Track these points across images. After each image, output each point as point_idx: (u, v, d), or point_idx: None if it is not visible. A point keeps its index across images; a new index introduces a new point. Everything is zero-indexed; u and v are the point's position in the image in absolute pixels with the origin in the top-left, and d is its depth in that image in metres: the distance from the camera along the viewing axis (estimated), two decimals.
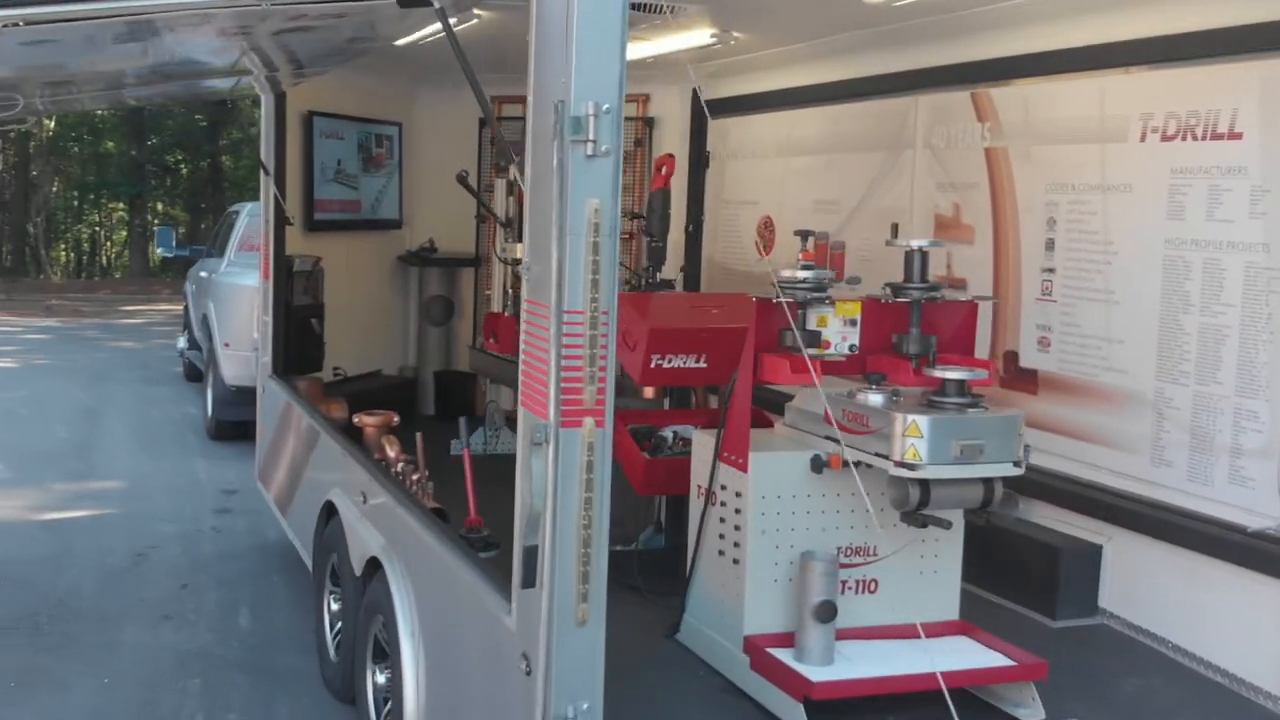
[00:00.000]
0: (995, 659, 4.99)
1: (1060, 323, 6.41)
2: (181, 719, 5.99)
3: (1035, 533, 6.32)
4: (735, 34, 7.85)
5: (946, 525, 4.88)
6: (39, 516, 9.49)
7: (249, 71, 7.78)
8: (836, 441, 4.92)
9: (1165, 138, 5.80)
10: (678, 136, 10.03)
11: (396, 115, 10.23)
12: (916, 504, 4.68)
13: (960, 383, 4.76)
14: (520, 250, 8.23)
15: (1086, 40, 6.17)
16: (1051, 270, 6.47)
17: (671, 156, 7.66)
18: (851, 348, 5.10)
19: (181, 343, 16.23)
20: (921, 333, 5.00)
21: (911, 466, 4.56)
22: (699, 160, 9.76)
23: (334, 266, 9.36)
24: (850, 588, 5.14)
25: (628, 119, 9.96)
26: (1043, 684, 5.24)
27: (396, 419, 7.14)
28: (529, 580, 3.62)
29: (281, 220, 8.56)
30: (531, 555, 3.61)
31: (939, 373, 4.79)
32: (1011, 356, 6.72)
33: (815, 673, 4.74)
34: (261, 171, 8.70)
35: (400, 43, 8.02)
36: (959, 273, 7.11)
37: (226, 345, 11.99)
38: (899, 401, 4.77)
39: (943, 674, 4.75)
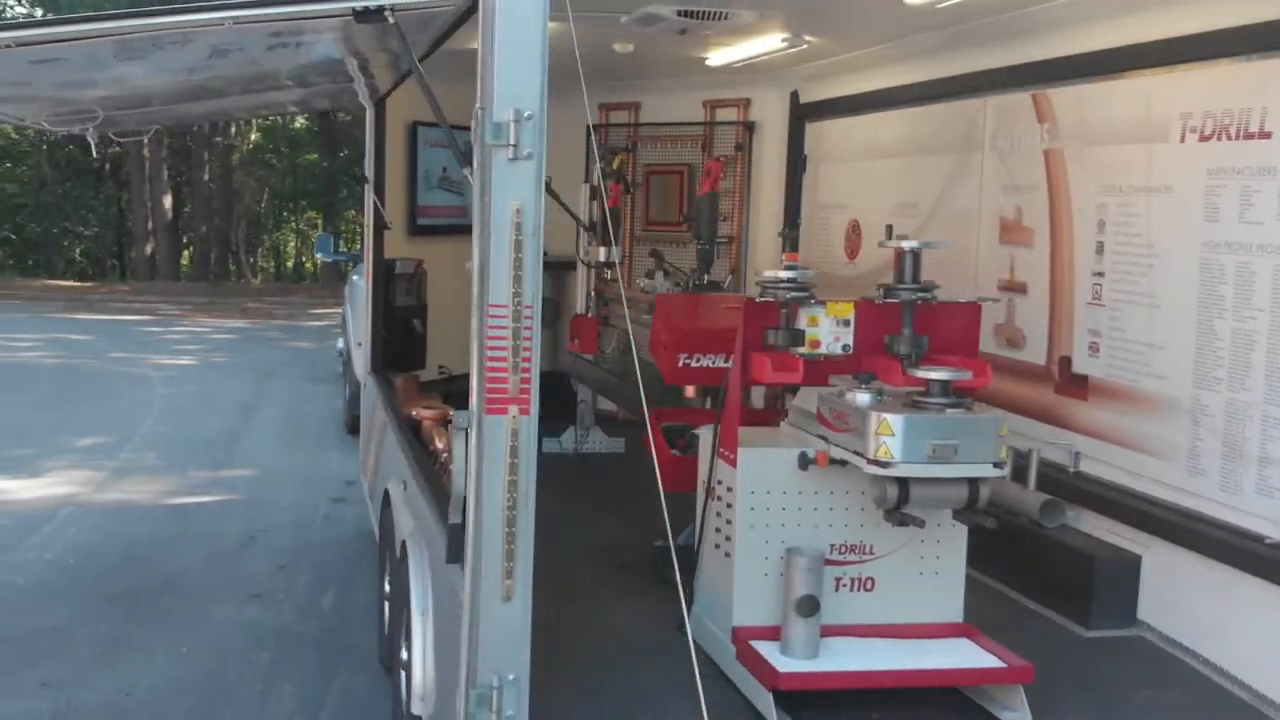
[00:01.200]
0: (982, 660, 4.96)
1: (1108, 327, 6.28)
2: (242, 688, 6.42)
3: (1074, 540, 6.21)
4: (807, 38, 7.91)
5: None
6: (172, 500, 10.21)
7: (350, 79, 8.22)
8: (826, 439, 5.01)
9: (1203, 138, 5.65)
10: (777, 141, 10.10)
11: None
12: (895, 502, 4.70)
13: (944, 383, 4.76)
14: (602, 253, 8.53)
15: (1133, 38, 6.06)
16: (1101, 274, 6.35)
17: (719, 161, 7.76)
18: (845, 348, 5.14)
19: (340, 343, 17.07)
20: (914, 333, 5.01)
21: (884, 464, 4.60)
22: (795, 164, 9.80)
23: (439, 269, 9.77)
24: (845, 585, 5.18)
25: (729, 123, 10.14)
26: (1048, 691, 5.19)
27: (452, 413, 7.43)
28: (454, 556, 3.85)
29: (380, 226, 9.03)
30: (456, 533, 3.83)
31: (921, 373, 4.80)
32: (1065, 362, 6.61)
33: (787, 664, 4.82)
34: (362, 180, 9.17)
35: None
36: (1020, 277, 7.03)
37: (358, 344, 12.59)
38: (882, 401, 4.80)
39: (920, 671, 4.80)
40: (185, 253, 37.43)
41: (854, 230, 9.03)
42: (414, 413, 7.15)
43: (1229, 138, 5.48)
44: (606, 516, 7.68)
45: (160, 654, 6.82)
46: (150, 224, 34.83)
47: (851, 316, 5.13)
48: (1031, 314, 6.90)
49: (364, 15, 3.98)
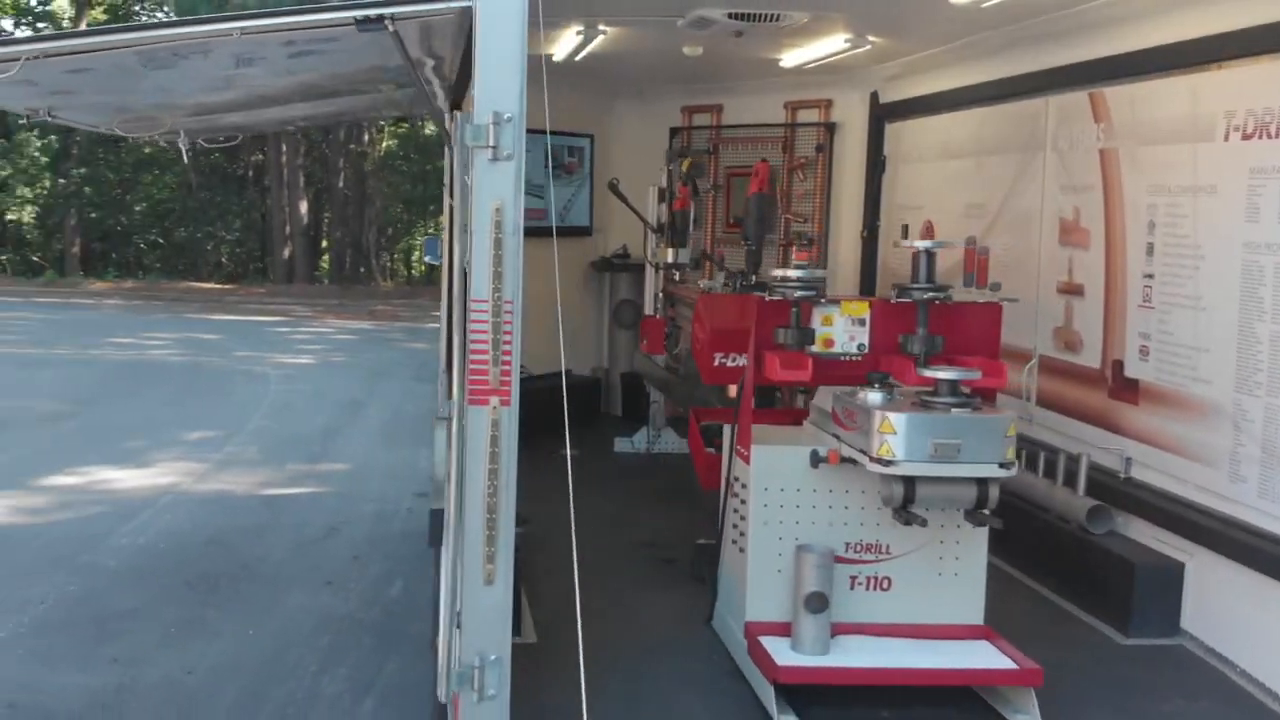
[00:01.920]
0: (992, 662, 4.92)
1: (1157, 330, 6.15)
2: (299, 669, 6.67)
3: (1117, 547, 6.10)
4: (870, 38, 7.89)
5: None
6: (265, 492, 10.61)
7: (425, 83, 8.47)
8: (838, 438, 5.03)
9: (1245, 136, 5.50)
10: (858, 142, 10.05)
11: (588, 127, 10.78)
12: (900, 501, 4.70)
13: (952, 383, 4.75)
14: (670, 254, 8.61)
15: (1181, 35, 5.93)
16: (1151, 276, 6.22)
17: (766, 162, 7.77)
18: (860, 347, 5.16)
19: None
20: (929, 333, 5.00)
21: (886, 462, 4.61)
22: (875, 165, 9.75)
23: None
24: (861, 584, 5.19)
25: (810, 124, 10.14)
26: (1073, 698, 5.15)
27: None
28: (435, 539, 3.99)
29: (454, 228, 9.26)
30: (437, 518, 3.97)
31: (929, 372, 4.79)
32: (1118, 366, 6.48)
33: (791, 659, 4.86)
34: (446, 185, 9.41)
35: (558, 58, 8.56)
36: (1078, 279, 6.91)
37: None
38: (892, 400, 4.80)
39: (925, 670, 4.79)
40: (324, 257, 38.67)
41: (928, 231, 8.94)
42: None
43: (1269, 136, 5.34)
44: (662, 515, 7.78)
45: (227, 636, 7.13)
46: (288, 229, 36.02)
47: (867, 316, 5.14)
48: (1088, 317, 6.79)
49: (364, 24, 4.13)
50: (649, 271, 9.06)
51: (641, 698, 5.07)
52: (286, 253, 36.19)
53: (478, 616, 4.07)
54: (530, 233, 10.55)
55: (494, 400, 3.95)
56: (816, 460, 4.98)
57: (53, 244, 38.20)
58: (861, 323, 5.15)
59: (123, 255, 39.13)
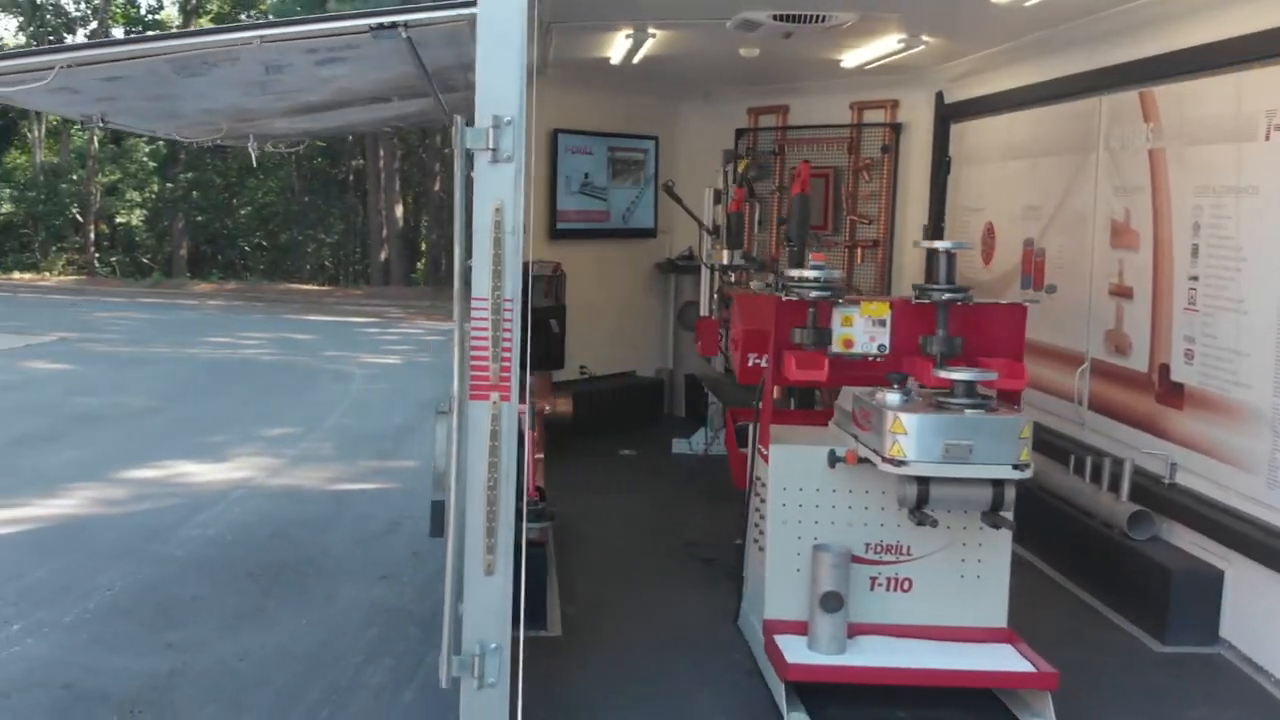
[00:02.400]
0: (1007, 665, 4.88)
1: (1201, 334, 6.04)
2: (345, 659, 6.83)
3: (1156, 553, 6.00)
4: (925, 38, 7.85)
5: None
6: (334, 487, 10.84)
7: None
8: (857, 438, 5.04)
9: None
10: (924, 143, 9.98)
11: (653, 129, 10.85)
12: (914, 501, 4.70)
13: (968, 384, 4.73)
14: (725, 255, 8.65)
15: (1225, 32, 5.82)
16: (1196, 278, 6.11)
17: (807, 163, 7.74)
18: (880, 348, 5.15)
19: None
20: (948, 334, 4.98)
21: (898, 463, 4.61)
22: (940, 166, 9.67)
23: (579, 272, 10.10)
24: (881, 585, 5.19)
25: (876, 125, 10.09)
26: (1099, 704, 5.10)
27: (548, 407, 7.73)
28: (436, 530, 4.09)
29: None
30: (438, 509, 4.08)
31: (944, 373, 4.78)
32: (1164, 370, 6.37)
33: (805, 656, 4.88)
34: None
35: (615, 61, 8.65)
36: (1128, 281, 6.81)
37: None
38: (909, 401, 4.79)
39: (936, 671, 4.79)
40: (420, 259, 39.34)
41: (989, 233, 8.87)
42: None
43: None
44: (709, 515, 7.81)
45: (282, 625, 7.32)
46: (385, 231, 36.69)
47: (887, 317, 5.14)
48: (1137, 320, 6.68)
49: (379, 30, 4.26)
50: (704, 273, 9.10)
51: (658, 693, 5.14)
52: (383, 255, 36.86)
53: (478, 606, 4.18)
54: (593, 235, 10.73)
55: (494, 395, 4.05)
56: (834, 460, 4.99)
57: (163, 246, 39.41)
58: (882, 324, 5.14)
59: (228, 257, 40.21)
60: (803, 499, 5.15)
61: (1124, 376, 6.76)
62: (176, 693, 6.29)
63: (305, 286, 35.98)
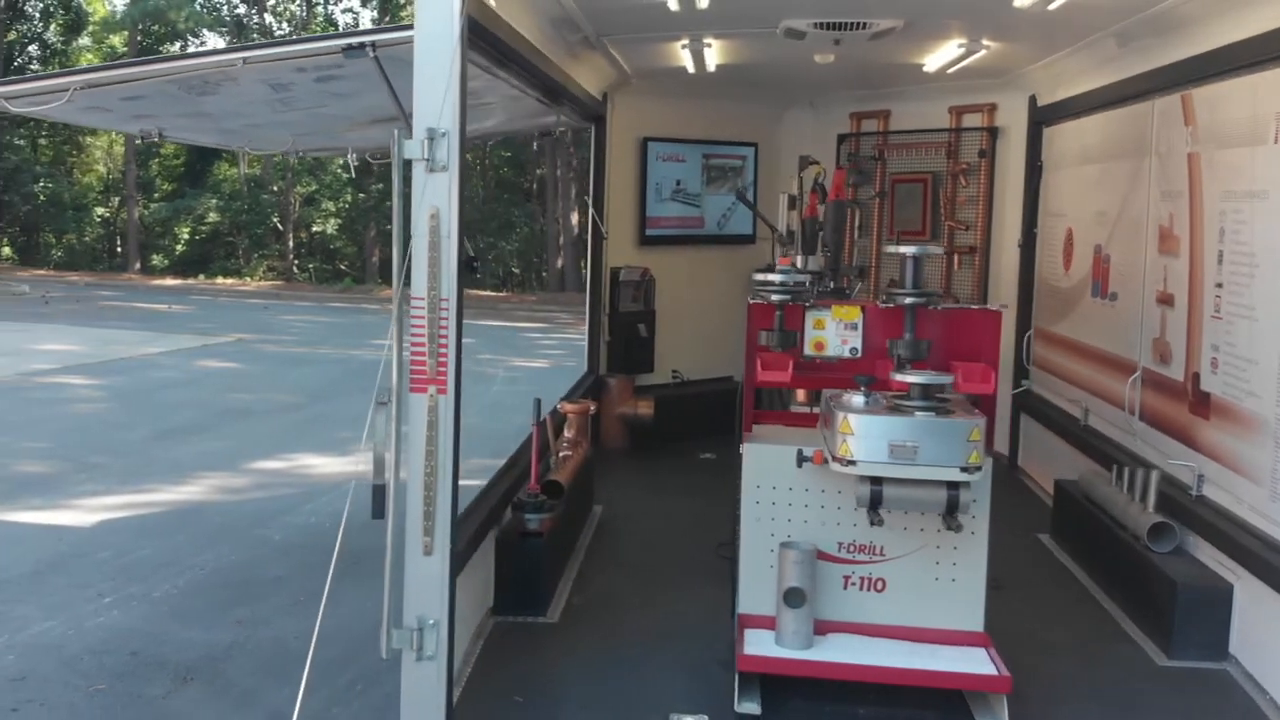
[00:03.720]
0: (966, 667, 4.91)
1: (1224, 342, 5.89)
2: None
3: (1169, 565, 5.87)
4: (985, 42, 7.79)
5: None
6: None
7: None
8: (825, 439, 5.13)
9: None
10: (1020, 147, 9.82)
11: (752, 136, 10.97)
12: (868, 501, 4.78)
13: (924, 387, 4.78)
14: (799, 262, 8.79)
15: (1248, 33, 5.66)
16: (1220, 285, 5.96)
17: (842, 169, 7.77)
18: (853, 350, 5.22)
19: None
20: (915, 338, 5.02)
21: (848, 462, 4.70)
22: (1032, 170, 9.52)
23: (673, 278, 10.33)
24: (854, 584, 5.25)
25: (973, 129, 10.01)
26: (1069, 712, 5.09)
27: (593, 407, 7.98)
28: (377, 513, 4.40)
29: (598, 236, 9.72)
30: (379, 493, 4.39)
31: (899, 376, 4.84)
32: (1195, 379, 6.22)
33: (762, 649, 5.01)
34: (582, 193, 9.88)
35: (692, 70, 8.85)
36: (1170, 288, 6.66)
37: None
38: (870, 403, 4.86)
39: (890, 669, 4.86)
40: None
41: (1069, 239, 8.72)
42: (559, 406, 7.75)
43: None
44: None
45: (346, 605, 7.72)
46: (561, 239, 37.62)
47: (859, 320, 5.21)
48: (1176, 327, 6.53)
49: (350, 51, 4.59)
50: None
51: (628, 677, 5.35)
52: (559, 262, 37.77)
53: (417, 584, 4.48)
54: (687, 241, 10.91)
55: (431, 389, 4.35)
56: (801, 460, 5.09)
57: (360, 254, 41.31)
58: (854, 327, 5.21)
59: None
60: (775, 497, 5.26)
61: (1166, 385, 6.62)
62: (230, 663, 6.80)
63: (483, 292, 37.13)
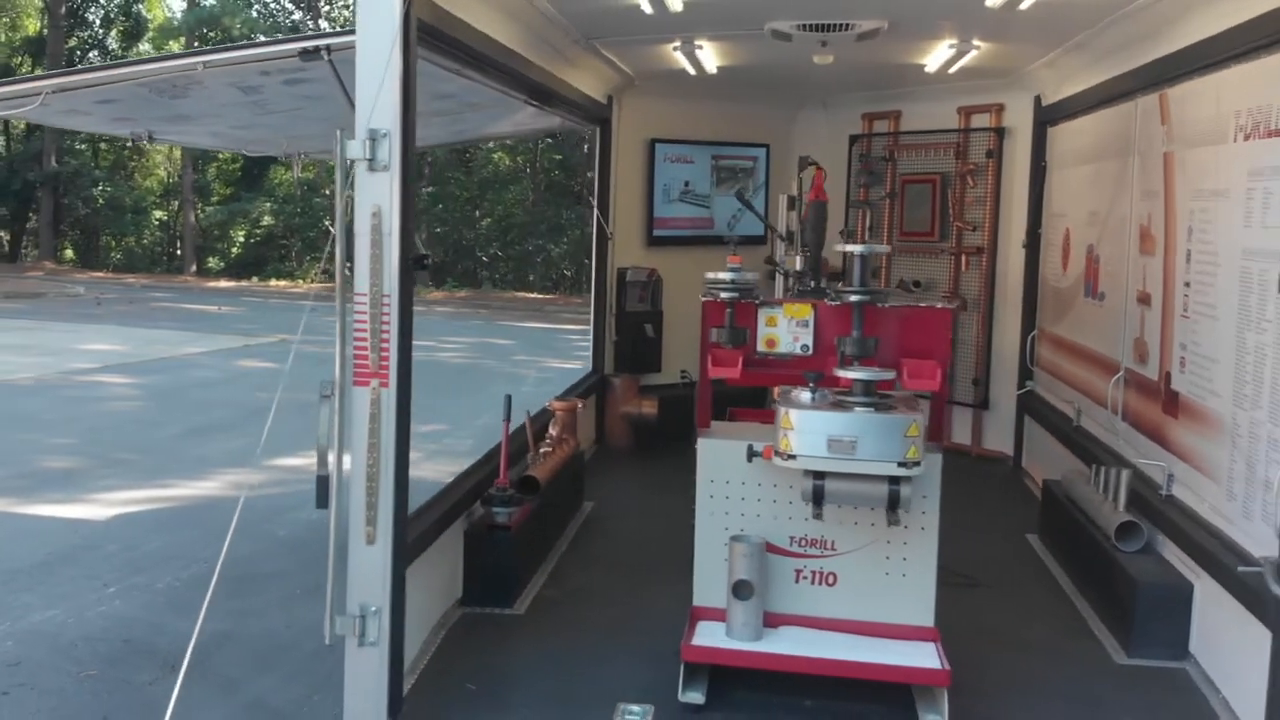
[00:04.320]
0: (907, 660, 4.96)
1: (1191, 341, 5.89)
2: None
3: (1133, 565, 5.88)
4: (977, 42, 7.81)
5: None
6: (450, 479, 11.53)
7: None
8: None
9: (1246, 136, 5.24)
10: (1027, 147, 9.78)
11: (763, 138, 11.03)
12: (810, 495, 4.84)
13: (866, 383, 4.84)
14: (798, 262, 8.88)
15: (1215, 29, 5.65)
16: (1189, 284, 5.95)
17: (821, 169, 7.77)
18: (804, 347, 5.29)
19: None
20: (863, 335, 5.08)
21: (788, 456, 4.77)
22: (1036, 171, 9.49)
23: (680, 279, 10.38)
24: (806, 578, 5.32)
25: (981, 130, 10.00)
26: (1014, 707, 5.13)
27: (581, 405, 8.07)
28: (321, 503, 4.54)
29: (603, 236, 9.84)
30: (322, 484, 4.52)
31: (841, 373, 4.90)
32: (1168, 378, 6.22)
33: (709, 640, 5.10)
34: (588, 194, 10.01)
35: (693, 71, 8.93)
36: (1148, 287, 6.65)
37: None
38: (817, 399, 4.92)
39: (828, 661, 4.93)
40: None
41: (1066, 239, 8.71)
42: (548, 404, 7.87)
43: (1260, 135, 5.07)
44: None
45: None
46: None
47: (810, 318, 5.28)
48: (1152, 327, 6.53)
49: (305, 55, 4.73)
50: (778, 279, 9.23)
51: (583, 666, 5.45)
52: None
53: (360, 572, 4.61)
54: (696, 242, 10.98)
55: (374, 382, 4.48)
56: (751, 454, 5.15)
57: None
58: (805, 324, 5.28)
59: (466, 266, 42.23)
60: (729, 491, 5.34)
61: (1144, 385, 6.61)
62: (219, 652, 6.97)
63: (530, 295, 37.42)
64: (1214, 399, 5.50)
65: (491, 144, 39.62)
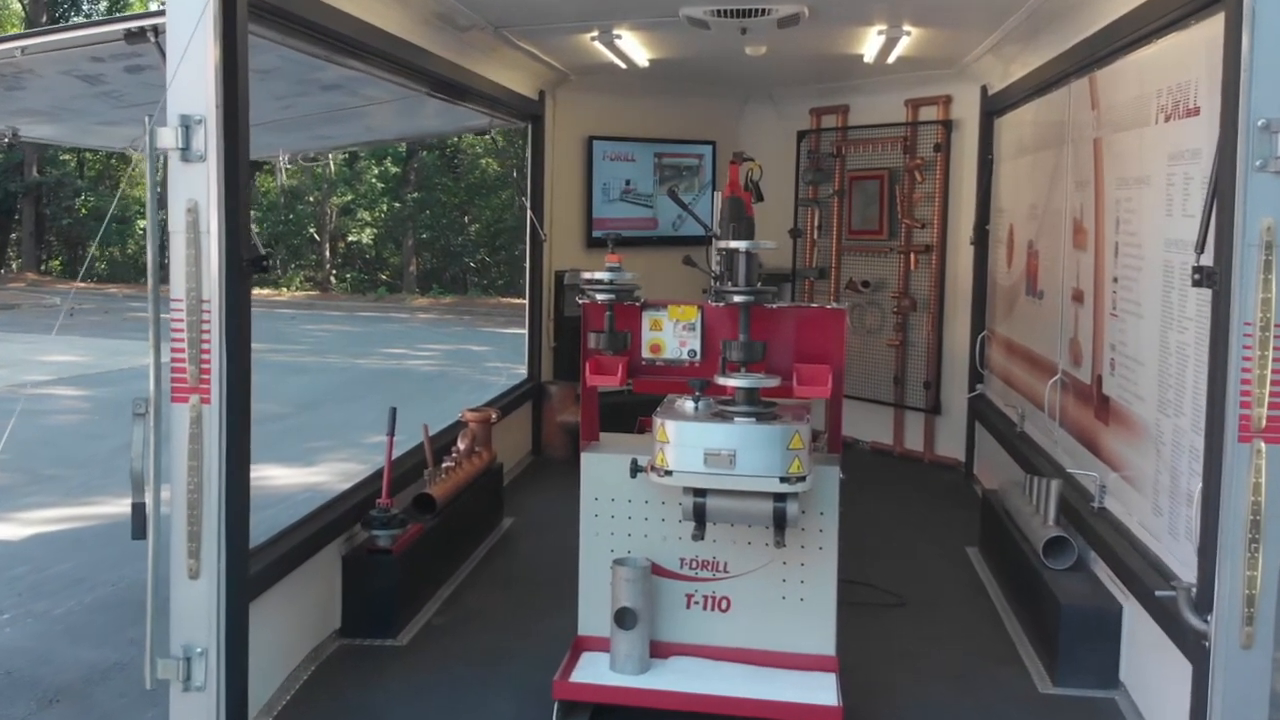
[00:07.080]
0: (800, 696, 4.54)
1: (1119, 341, 5.48)
2: None
3: (1059, 584, 5.44)
4: (907, 27, 7.40)
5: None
6: None
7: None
8: None
9: (1166, 117, 4.84)
10: (974, 139, 9.36)
11: (709, 134, 10.62)
12: (691, 514, 4.44)
13: (748, 391, 4.43)
14: (714, 263, 8.42)
15: (1136, 3, 5.23)
16: (1116, 280, 5.54)
17: (735, 164, 7.37)
18: (691, 353, 4.89)
19: None
20: (750, 339, 4.67)
21: (665, 472, 4.37)
22: (982, 164, 9.06)
23: None
24: (698, 603, 4.91)
25: (929, 123, 9.57)
26: None
27: (495, 415, 7.67)
28: (137, 533, 4.12)
29: (536, 238, 9.43)
30: (138, 511, 4.10)
31: (722, 380, 4.49)
32: (1099, 381, 5.81)
33: (586, 676, 4.70)
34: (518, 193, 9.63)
35: (623, 65, 8.53)
36: (1081, 284, 6.24)
37: None
38: (699, 409, 4.52)
39: (717, 698, 4.53)
40: None
41: (1011, 235, 8.30)
42: (461, 415, 7.47)
43: (1180, 115, 4.67)
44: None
45: None
46: None
47: (697, 321, 4.87)
48: (1085, 327, 6.12)
49: (130, 37, 4.34)
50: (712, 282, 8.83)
51: (459, 701, 5.03)
52: None
53: (183, 610, 4.20)
54: (639, 243, 10.59)
55: (194, 398, 4.06)
56: (635, 470, 4.74)
57: (399, 263, 41.38)
58: (691, 328, 4.88)
59: (453, 273, 41.84)
60: (614, 510, 4.94)
61: (1079, 389, 6.20)
62: (105, 685, 6.56)
63: (517, 300, 36.99)
64: (1139, 404, 5.09)
65: (479, 149, 39.32)
